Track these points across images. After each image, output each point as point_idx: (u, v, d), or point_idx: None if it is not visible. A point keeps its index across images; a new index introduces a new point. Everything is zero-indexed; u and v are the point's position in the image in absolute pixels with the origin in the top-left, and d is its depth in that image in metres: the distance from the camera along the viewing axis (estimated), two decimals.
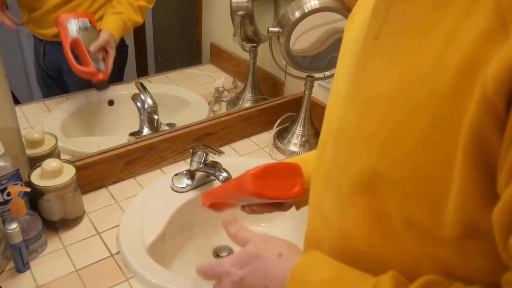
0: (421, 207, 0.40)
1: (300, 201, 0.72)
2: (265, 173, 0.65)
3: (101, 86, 1.11)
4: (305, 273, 0.48)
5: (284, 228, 1.05)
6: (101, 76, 1.09)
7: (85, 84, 1.12)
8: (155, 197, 1.01)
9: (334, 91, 0.57)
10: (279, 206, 0.74)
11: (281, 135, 1.24)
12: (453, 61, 0.36)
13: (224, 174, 0.98)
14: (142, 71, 1.30)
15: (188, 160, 1.08)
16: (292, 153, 1.19)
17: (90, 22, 1.06)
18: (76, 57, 1.05)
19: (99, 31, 1.07)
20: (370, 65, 0.47)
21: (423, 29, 0.41)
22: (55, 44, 1.07)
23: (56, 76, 1.12)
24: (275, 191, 0.66)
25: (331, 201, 0.53)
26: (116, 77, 1.16)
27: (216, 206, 0.80)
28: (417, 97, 0.39)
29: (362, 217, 0.47)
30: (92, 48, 1.05)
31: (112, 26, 1.08)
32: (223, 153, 0.97)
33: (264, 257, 0.53)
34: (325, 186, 0.55)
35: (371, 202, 0.45)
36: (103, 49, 1.08)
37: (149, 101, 1.11)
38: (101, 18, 1.08)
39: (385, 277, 0.44)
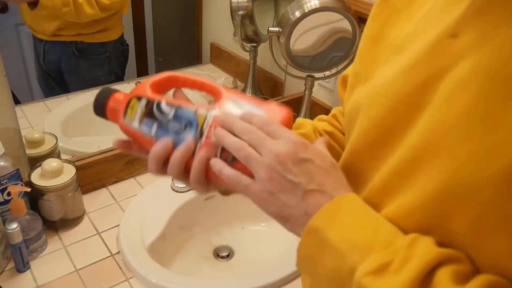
0: (500, 237, 0.36)
1: None
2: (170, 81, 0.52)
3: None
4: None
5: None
6: None
7: (86, 84, 1.12)
8: (155, 197, 1.00)
9: (376, 92, 0.47)
10: None
11: None
12: None
13: None
14: (142, 71, 1.30)
15: None
16: None
17: None
18: None
19: None
20: (449, 67, 0.40)
21: None
22: (54, 44, 1.07)
23: (56, 76, 1.13)
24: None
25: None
26: (118, 77, 1.16)
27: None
28: None
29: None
30: None
31: None
32: None
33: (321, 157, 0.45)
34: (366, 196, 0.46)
35: (431, 221, 0.39)
36: None
37: None
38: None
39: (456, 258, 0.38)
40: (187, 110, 0.48)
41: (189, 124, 0.47)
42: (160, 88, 0.51)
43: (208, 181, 0.48)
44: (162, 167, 0.48)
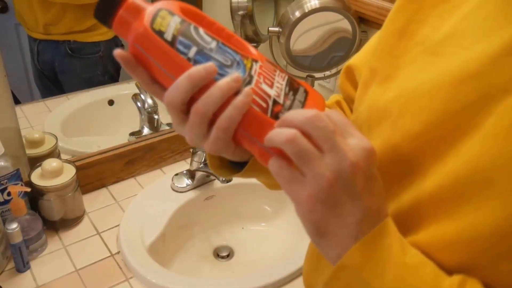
0: None
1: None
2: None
3: None
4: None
5: (284, 227, 1.05)
6: None
7: (80, 84, 1.12)
8: (155, 197, 1.01)
9: (408, 101, 0.41)
10: None
11: None
12: None
13: None
14: None
15: (188, 160, 1.08)
16: None
17: None
18: None
19: None
20: (510, 89, 0.35)
21: None
22: (48, 43, 1.07)
23: (51, 76, 1.12)
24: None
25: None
26: (112, 77, 1.15)
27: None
28: None
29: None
30: None
31: None
32: None
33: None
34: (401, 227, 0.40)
35: (478, 259, 0.36)
36: None
37: (149, 101, 1.11)
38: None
39: None
40: (230, 48, 0.40)
41: (235, 63, 0.39)
42: (186, 17, 0.40)
43: (232, 138, 0.38)
44: (188, 101, 0.38)
